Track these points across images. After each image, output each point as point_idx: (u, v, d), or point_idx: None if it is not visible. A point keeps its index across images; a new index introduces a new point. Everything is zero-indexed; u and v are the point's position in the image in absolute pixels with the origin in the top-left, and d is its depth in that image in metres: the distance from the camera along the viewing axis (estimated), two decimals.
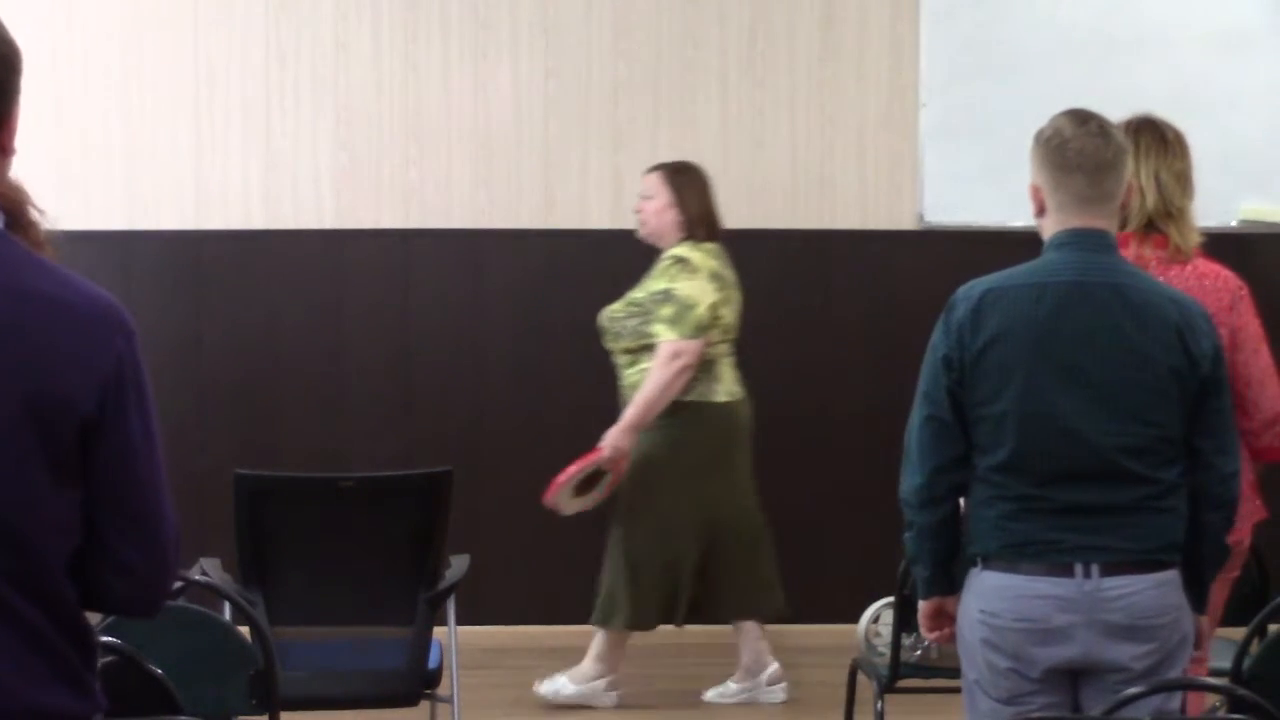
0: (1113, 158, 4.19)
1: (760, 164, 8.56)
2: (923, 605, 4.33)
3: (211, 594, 5.47)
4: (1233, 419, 4.25)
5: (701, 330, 7.03)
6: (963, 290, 4.20)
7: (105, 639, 3.89)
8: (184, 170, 8.47)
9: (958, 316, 4.15)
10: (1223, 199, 8.04)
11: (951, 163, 8.53)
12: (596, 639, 7.25)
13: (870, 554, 7.85)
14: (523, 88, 8.53)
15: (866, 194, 8.60)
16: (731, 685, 7.31)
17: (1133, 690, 3.96)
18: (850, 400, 8.49)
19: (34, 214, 2.76)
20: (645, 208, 7.26)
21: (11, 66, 2.69)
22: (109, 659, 3.89)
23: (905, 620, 5.65)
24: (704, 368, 7.07)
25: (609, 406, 7.20)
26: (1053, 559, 4.09)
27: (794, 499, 8.37)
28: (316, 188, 8.51)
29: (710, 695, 7.32)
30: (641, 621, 7.14)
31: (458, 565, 6.07)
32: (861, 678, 6.05)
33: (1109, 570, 4.08)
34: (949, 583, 4.25)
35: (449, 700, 6.13)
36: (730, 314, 7.15)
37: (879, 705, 5.85)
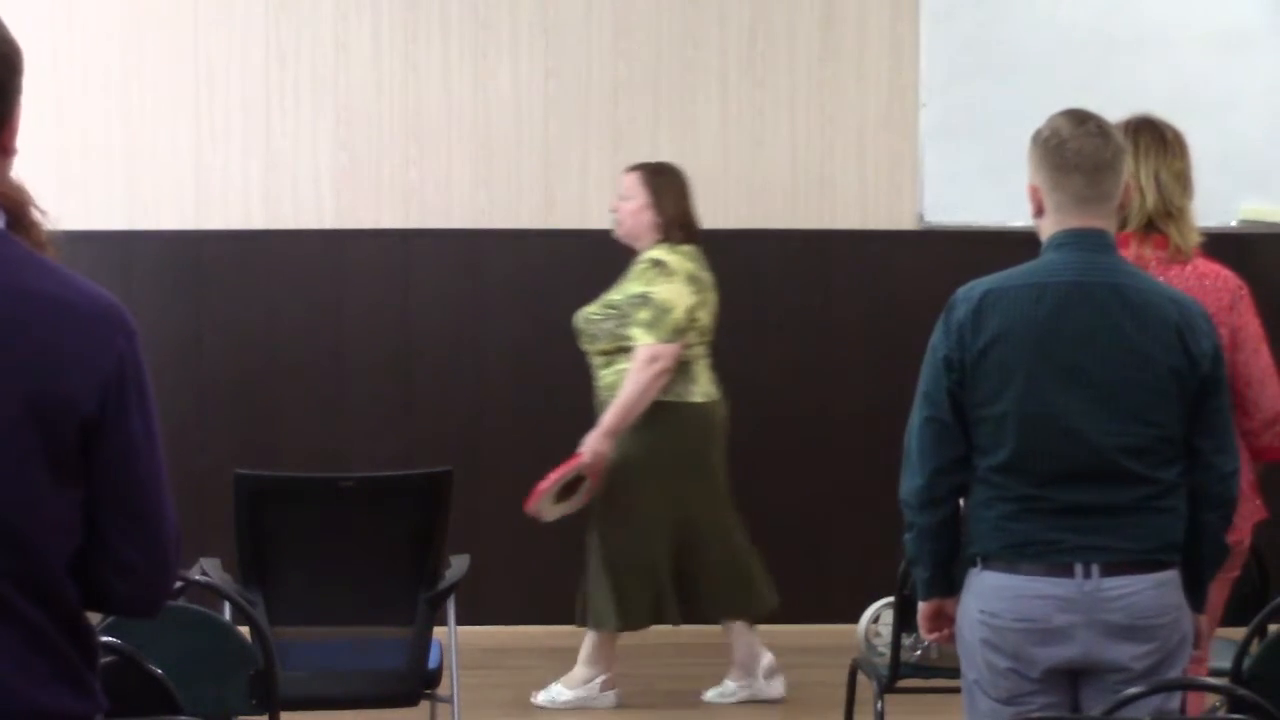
0: (1111, 158, 4.18)
1: (760, 164, 8.56)
2: (922, 606, 4.33)
3: (211, 594, 5.47)
4: (1231, 418, 4.25)
5: (679, 334, 7.01)
6: (963, 291, 4.19)
7: (105, 639, 3.89)
8: (184, 170, 8.47)
9: (958, 317, 4.14)
10: (1223, 199, 8.05)
11: (951, 163, 8.53)
12: (585, 642, 7.25)
13: (870, 554, 7.85)
14: (523, 88, 8.53)
15: (866, 194, 8.60)
16: (730, 684, 7.31)
17: (1133, 690, 3.96)
18: (850, 400, 8.48)
19: (36, 214, 2.76)
20: (622, 208, 7.24)
21: (12, 66, 2.69)
22: (109, 659, 3.88)
23: (905, 620, 5.65)
24: (680, 369, 7.05)
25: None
26: (1053, 559, 4.09)
27: (794, 499, 8.37)
28: (316, 188, 8.51)
29: (710, 695, 7.31)
30: (631, 621, 7.14)
31: (458, 565, 6.07)
32: (861, 678, 6.05)
33: (1109, 570, 4.08)
34: (949, 584, 4.25)
35: (449, 700, 6.13)
36: (706, 316, 7.14)
37: (879, 705, 5.85)
